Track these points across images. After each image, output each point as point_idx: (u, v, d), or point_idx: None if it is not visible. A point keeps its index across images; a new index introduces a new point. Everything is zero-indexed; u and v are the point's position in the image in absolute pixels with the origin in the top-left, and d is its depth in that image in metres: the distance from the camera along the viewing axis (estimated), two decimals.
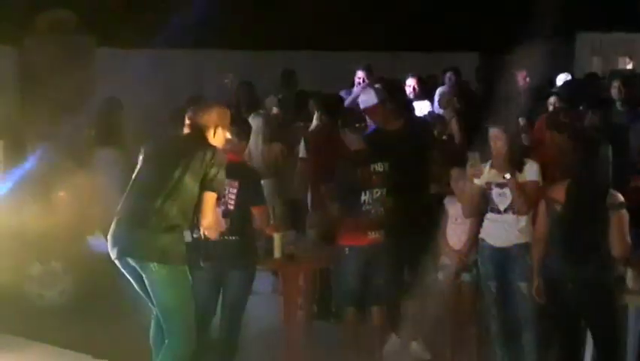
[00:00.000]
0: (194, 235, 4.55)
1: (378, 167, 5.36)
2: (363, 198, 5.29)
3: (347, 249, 5.32)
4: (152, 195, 4.30)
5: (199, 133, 4.43)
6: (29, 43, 7.63)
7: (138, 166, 4.49)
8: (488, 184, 5.13)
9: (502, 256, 5.10)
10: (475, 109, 7.56)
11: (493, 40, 11.50)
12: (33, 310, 6.48)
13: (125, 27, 8.52)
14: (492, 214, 5.14)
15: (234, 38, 10.97)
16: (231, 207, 4.90)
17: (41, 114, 7.15)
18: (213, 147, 4.38)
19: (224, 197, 4.85)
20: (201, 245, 4.76)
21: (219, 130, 4.46)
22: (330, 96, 6.68)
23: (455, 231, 5.45)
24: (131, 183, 4.44)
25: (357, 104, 7.15)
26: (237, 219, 4.90)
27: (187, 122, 4.52)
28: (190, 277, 4.37)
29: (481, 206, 5.16)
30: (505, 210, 5.09)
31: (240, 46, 11.08)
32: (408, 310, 5.64)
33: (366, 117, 5.84)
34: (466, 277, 5.40)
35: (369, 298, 5.33)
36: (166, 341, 4.29)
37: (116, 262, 4.34)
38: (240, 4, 11.12)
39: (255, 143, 7.12)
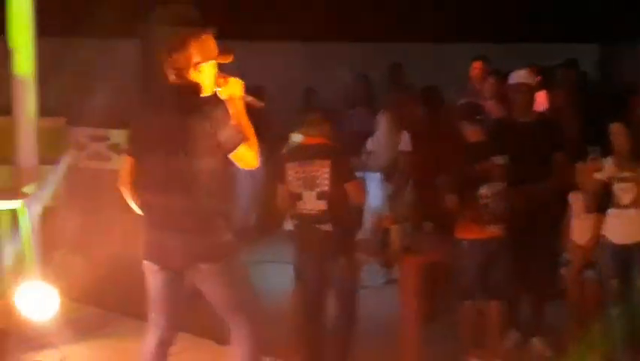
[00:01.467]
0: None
1: (499, 160, 5.29)
2: (481, 191, 5.24)
3: (465, 243, 5.29)
4: None
5: None
6: (148, 35, 7.81)
7: None
8: (610, 179, 5.03)
9: (625, 254, 4.99)
10: (595, 102, 7.39)
11: (615, 30, 11.21)
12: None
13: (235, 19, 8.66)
14: (614, 210, 5.03)
15: (349, 30, 11.00)
16: (326, 188, 4.97)
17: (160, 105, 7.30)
18: None
19: (317, 179, 4.95)
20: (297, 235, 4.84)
21: None
22: (431, 88, 6.63)
23: (579, 226, 5.35)
24: None
25: (475, 97, 7.11)
26: (334, 201, 4.94)
27: None
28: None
29: (604, 201, 5.07)
30: (628, 206, 4.98)
31: (354, 38, 11.10)
32: (529, 305, 5.57)
33: (486, 108, 5.80)
34: (589, 273, 5.30)
35: (489, 293, 5.28)
36: None
37: None
38: None
39: (379, 138, 7.22)
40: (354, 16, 11.11)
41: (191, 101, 3.77)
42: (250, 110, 3.93)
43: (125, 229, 6.76)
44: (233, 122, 3.75)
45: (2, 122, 6.29)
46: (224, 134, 3.72)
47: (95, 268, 6.31)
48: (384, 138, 7.28)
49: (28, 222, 5.49)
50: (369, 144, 7.45)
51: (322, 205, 4.97)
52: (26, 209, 5.49)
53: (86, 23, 7.78)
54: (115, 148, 7.59)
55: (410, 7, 11.29)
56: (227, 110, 3.75)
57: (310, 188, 5.01)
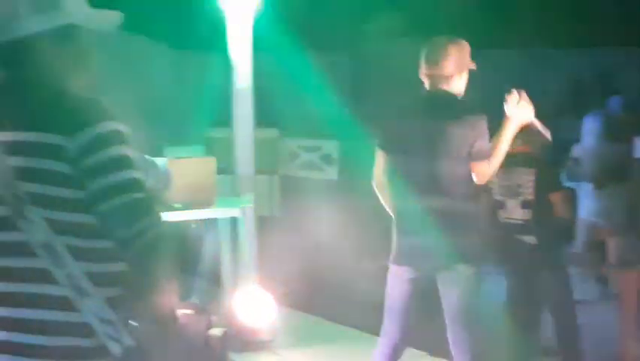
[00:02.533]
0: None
1: None
2: None
3: None
4: None
5: None
6: (361, 46, 7.93)
7: None
8: None
9: None
10: None
11: None
12: (369, 305, 6.71)
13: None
14: None
15: (557, 37, 10.72)
16: (531, 197, 4.84)
17: (373, 114, 7.37)
18: None
19: (521, 187, 4.84)
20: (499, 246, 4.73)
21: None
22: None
23: None
24: None
25: None
26: (538, 211, 4.82)
27: None
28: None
29: None
30: None
31: (561, 44, 10.80)
32: None
33: None
34: None
35: None
36: None
37: None
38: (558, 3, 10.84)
39: (587, 145, 6.96)
40: (563, 22, 10.82)
41: (452, 109, 3.89)
42: None
43: (338, 238, 6.93)
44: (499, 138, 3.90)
45: (223, 133, 6.55)
46: (478, 146, 3.79)
47: (309, 276, 6.46)
48: (595, 145, 7.01)
49: (245, 230, 5.68)
50: (576, 151, 7.21)
51: (526, 214, 4.87)
52: (244, 217, 5.68)
53: (301, 37, 7.98)
54: (326, 159, 7.74)
55: (618, 13, 10.86)
56: (485, 122, 3.86)
57: (514, 196, 4.92)
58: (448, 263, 3.85)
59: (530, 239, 4.85)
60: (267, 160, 7.17)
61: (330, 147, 7.73)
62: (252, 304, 5.51)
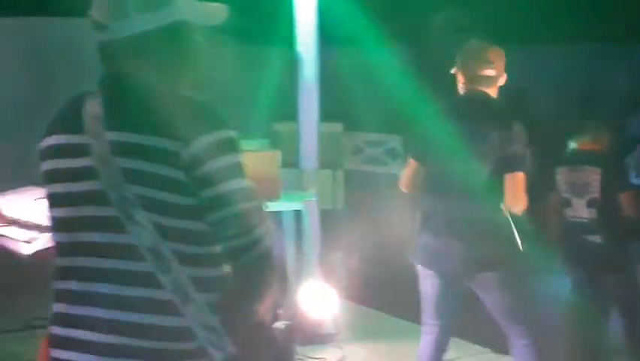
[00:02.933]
0: None
1: None
2: None
3: None
4: None
5: None
6: (425, 39, 7.90)
7: None
8: None
9: None
10: None
11: None
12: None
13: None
14: None
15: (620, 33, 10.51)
16: (597, 195, 4.77)
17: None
18: None
19: (588, 186, 4.77)
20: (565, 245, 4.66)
21: None
22: None
23: None
24: None
25: None
26: (605, 210, 4.75)
27: None
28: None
29: None
30: None
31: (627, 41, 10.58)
32: None
33: None
34: None
35: None
36: None
37: None
38: None
39: None
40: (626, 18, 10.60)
41: (486, 111, 3.86)
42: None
43: (400, 233, 6.89)
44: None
45: (287, 127, 6.59)
46: (510, 151, 3.72)
47: (371, 271, 6.46)
48: None
49: (309, 223, 5.70)
50: None
51: (592, 213, 4.80)
52: (308, 211, 5.71)
53: (366, 31, 7.97)
54: (391, 153, 7.73)
55: None
56: (519, 127, 3.81)
57: (580, 195, 4.84)
58: (481, 267, 3.82)
59: (595, 238, 4.78)
60: (331, 154, 7.18)
61: (395, 141, 7.72)
62: (316, 297, 5.53)
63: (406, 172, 4.10)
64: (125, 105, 2.17)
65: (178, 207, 2.11)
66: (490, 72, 3.93)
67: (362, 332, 5.74)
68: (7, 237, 3.22)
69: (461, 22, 7.94)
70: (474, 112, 3.86)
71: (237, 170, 2.13)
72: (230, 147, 2.13)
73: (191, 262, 2.13)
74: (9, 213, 3.35)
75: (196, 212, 2.12)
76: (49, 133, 2.27)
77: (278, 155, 5.58)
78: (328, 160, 6.76)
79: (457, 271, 3.90)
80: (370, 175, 7.76)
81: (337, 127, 7.76)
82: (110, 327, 2.13)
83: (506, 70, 4.01)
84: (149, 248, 2.10)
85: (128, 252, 2.12)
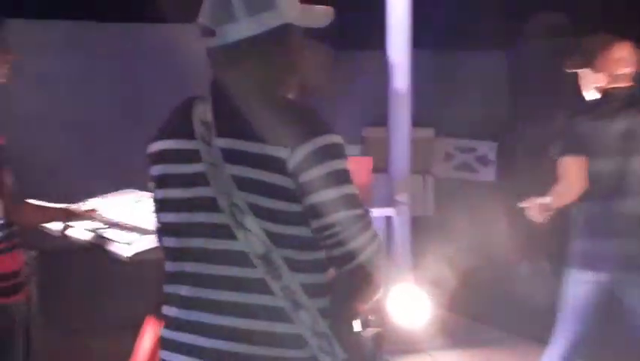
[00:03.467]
0: None
1: None
2: None
3: None
4: None
5: None
6: (521, 45, 7.78)
7: None
8: None
9: None
10: None
11: None
12: (525, 308, 6.58)
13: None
14: None
15: None
16: None
17: (531, 116, 7.23)
18: None
19: None
20: None
21: None
22: None
23: None
24: None
25: None
26: None
27: None
28: None
29: None
30: None
31: None
32: None
33: None
34: None
35: None
36: None
37: None
38: None
39: None
40: None
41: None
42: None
43: (493, 240, 6.80)
44: None
45: (378, 132, 6.55)
46: None
47: (463, 278, 6.38)
48: None
49: (400, 229, 5.65)
50: None
51: None
52: (399, 217, 5.66)
53: (458, 36, 7.89)
54: (482, 160, 7.63)
55: None
56: None
57: None
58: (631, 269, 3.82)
59: None
60: (422, 160, 7.12)
61: (486, 147, 7.61)
62: (407, 304, 5.47)
63: (573, 175, 4.01)
64: (234, 111, 2.16)
65: (287, 214, 2.10)
66: (628, 69, 3.98)
67: (454, 341, 5.66)
68: (108, 238, 3.27)
69: (561, 21, 7.79)
70: (633, 110, 3.92)
71: (342, 176, 2.11)
72: (336, 152, 2.10)
73: (301, 268, 2.12)
74: (110, 215, 3.40)
75: (304, 219, 2.11)
76: (159, 137, 2.28)
77: (369, 160, 5.55)
78: (419, 166, 6.70)
79: (622, 272, 3.88)
80: (461, 182, 7.67)
81: (428, 133, 7.69)
82: (219, 333, 2.13)
83: None
84: (259, 255, 2.09)
85: (239, 259, 2.11)
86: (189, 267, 2.19)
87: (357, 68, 8.69)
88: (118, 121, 7.72)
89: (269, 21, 2.20)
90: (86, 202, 3.62)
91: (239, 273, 2.12)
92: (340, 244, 2.09)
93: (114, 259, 3.19)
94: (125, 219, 3.29)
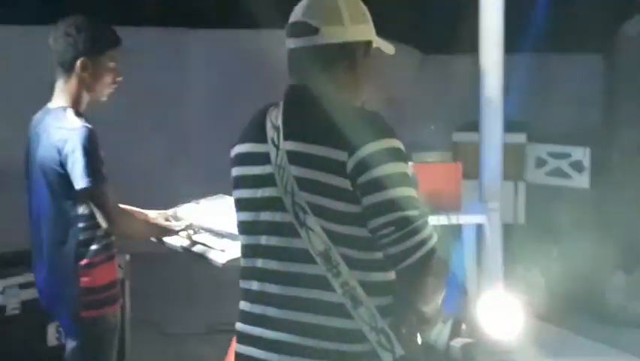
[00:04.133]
0: None
1: None
2: None
3: None
4: None
5: None
6: (617, 48, 7.58)
7: None
8: None
9: None
10: None
11: None
12: (620, 320, 6.45)
13: None
14: None
15: None
16: None
17: (628, 121, 7.05)
18: None
19: None
20: None
21: None
22: None
23: None
24: None
25: None
26: None
27: None
28: None
29: None
30: None
31: None
32: None
33: None
34: None
35: None
36: None
37: None
38: None
39: None
40: None
41: None
42: None
43: (587, 249, 6.66)
44: None
45: (469, 137, 6.47)
46: None
47: (556, 287, 6.26)
48: None
49: (491, 237, 5.56)
50: None
51: None
52: (489, 224, 5.57)
53: (552, 39, 7.75)
54: (575, 166, 7.47)
55: None
56: None
57: None
58: None
59: None
60: (513, 166, 7.01)
61: (580, 153, 7.44)
62: (498, 314, 5.37)
63: None
64: (303, 115, 2.32)
65: (346, 214, 2.23)
66: None
67: (546, 351, 5.55)
68: (202, 244, 3.32)
69: None
70: None
71: (400, 179, 2.22)
72: (394, 155, 2.22)
73: (360, 266, 2.24)
74: (203, 221, 3.44)
75: (363, 219, 2.23)
76: (239, 142, 2.45)
77: (459, 166, 5.49)
78: (510, 172, 6.59)
79: None
80: (554, 189, 7.52)
81: (520, 138, 7.56)
82: (282, 326, 2.27)
83: None
84: (319, 252, 2.22)
85: (301, 255, 2.25)
86: (259, 263, 2.34)
87: (449, 72, 8.63)
88: (212, 126, 7.83)
89: (364, 33, 2.39)
90: (180, 207, 3.66)
91: (300, 269, 2.26)
92: (394, 243, 2.19)
93: (209, 265, 3.24)
94: (218, 226, 3.34)
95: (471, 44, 5.96)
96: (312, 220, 2.21)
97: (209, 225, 3.39)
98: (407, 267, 2.20)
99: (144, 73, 7.36)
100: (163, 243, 3.55)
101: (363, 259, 2.24)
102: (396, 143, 2.24)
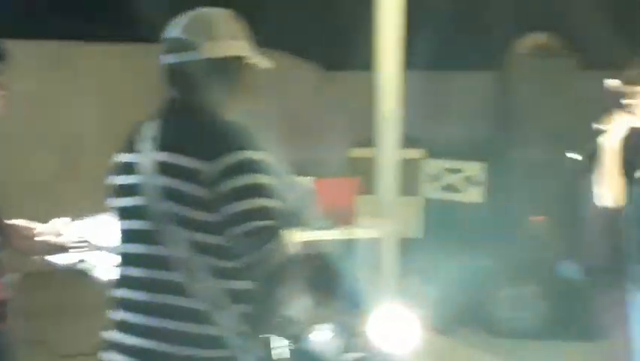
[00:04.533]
0: None
1: None
2: None
3: None
4: None
5: None
6: (510, 66, 7.77)
7: None
8: None
9: None
10: None
11: None
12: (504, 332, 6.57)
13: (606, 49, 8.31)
14: None
15: None
16: None
17: (521, 136, 7.22)
18: None
19: None
20: None
21: None
22: None
23: None
24: None
25: None
26: None
27: None
28: None
29: None
30: None
31: None
32: None
33: None
34: None
35: None
36: None
37: None
38: None
39: None
40: None
41: None
42: None
43: (482, 262, 6.79)
44: None
45: (365, 153, 6.52)
46: None
47: (453, 300, 6.35)
48: None
49: (387, 251, 5.61)
50: None
51: None
52: (386, 239, 5.61)
53: (448, 56, 7.88)
54: (471, 180, 7.61)
55: None
56: None
57: None
58: None
59: None
60: (410, 181, 7.10)
61: (475, 168, 7.60)
62: (392, 327, 5.41)
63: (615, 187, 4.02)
64: (173, 128, 2.41)
65: (207, 223, 2.30)
66: None
67: None
68: (88, 262, 3.29)
69: (550, 42, 7.79)
70: None
71: (257, 190, 2.29)
72: (252, 167, 2.29)
73: (221, 274, 2.32)
74: (89, 237, 3.39)
75: (220, 228, 2.30)
76: (118, 152, 2.56)
77: (355, 182, 5.53)
78: (408, 187, 6.68)
79: None
80: (449, 203, 7.66)
81: (417, 153, 7.67)
82: (144, 332, 2.33)
83: None
84: (180, 260, 2.29)
85: (164, 263, 2.32)
86: (127, 271, 2.43)
87: (349, 88, 8.69)
88: (100, 140, 7.70)
89: (239, 49, 2.47)
90: (66, 223, 3.58)
91: (163, 276, 2.30)
92: (249, 252, 2.26)
93: (96, 282, 3.21)
94: (103, 242, 3.29)
95: (370, 61, 6.01)
96: (174, 229, 2.26)
97: (95, 241, 3.34)
98: (264, 274, 2.26)
99: (31, 86, 7.21)
100: (49, 260, 3.47)
101: (225, 267, 2.30)
102: (254, 154, 2.30)
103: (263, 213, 2.28)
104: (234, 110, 2.47)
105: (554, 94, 7.20)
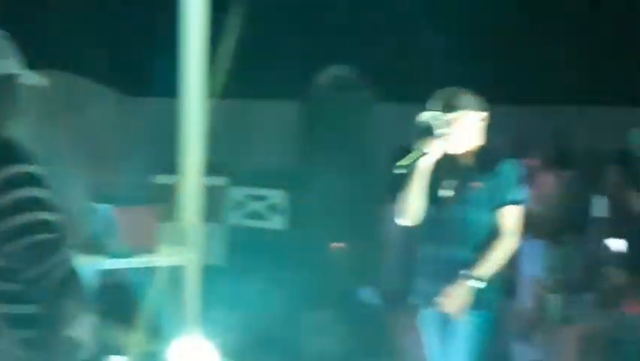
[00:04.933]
0: None
1: None
2: None
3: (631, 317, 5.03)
4: None
5: None
6: (312, 96, 7.97)
7: None
8: None
9: None
10: None
11: None
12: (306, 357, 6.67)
13: (405, 81, 8.67)
14: None
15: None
16: None
17: (321, 164, 7.39)
18: None
19: None
20: None
21: None
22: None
23: None
24: None
25: None
26: None
27: None
28: None
29: None
30: None
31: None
32: None
33: None
34: None
35: None
36: None
37: None
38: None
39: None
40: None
41: None
42: None
43: (283, 289, 6.88)
44: None
45: (169, 180, 6.47)
46: None
47: (253, 328, 6.38)
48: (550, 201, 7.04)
49: (189, 279, 5.58)
50: None
51: None
52: (188, 266, 5.59)
53: (253, 85, 7.98)
54: (273, 208, 7.72)
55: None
56: None
57: None
58: None
59: None
60: (213, 208, 7.11)
61: (278, 196, 7.72)
62: (193, 357, 5.39)
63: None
64: None
65: None
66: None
67: None
68: None
69: (349, 77, 8.04)
70: None
71: (30, 203, 2.20)
72: (24, 181, 2.20)
73: (3, 299, 2.21)
74: None
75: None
76: None
77: (155, 209, 5.48)
78: (211, 214, 6.68)
79: None
80: (253, 230, 7.73)
81: (221, 181, 7.69)
82: None
83: None
84: None
85: None
86: None
87: (153, 114, 8.60)
88: None
89: (5, 67, 2.39)
90: None
91: None
92: (27, 267, 2.16)
93: None
94: None
95: (174, 87, 6.00)
96: None
97: None
98: (46, 290, 2.17)
99: None
100: None
101: (5, 290, 2.21)
102: (27, 168, 2.22)
103: (40, 226, 2.20)
104: (7, 127, 2.37)
105: (352, 125, 7.44)
